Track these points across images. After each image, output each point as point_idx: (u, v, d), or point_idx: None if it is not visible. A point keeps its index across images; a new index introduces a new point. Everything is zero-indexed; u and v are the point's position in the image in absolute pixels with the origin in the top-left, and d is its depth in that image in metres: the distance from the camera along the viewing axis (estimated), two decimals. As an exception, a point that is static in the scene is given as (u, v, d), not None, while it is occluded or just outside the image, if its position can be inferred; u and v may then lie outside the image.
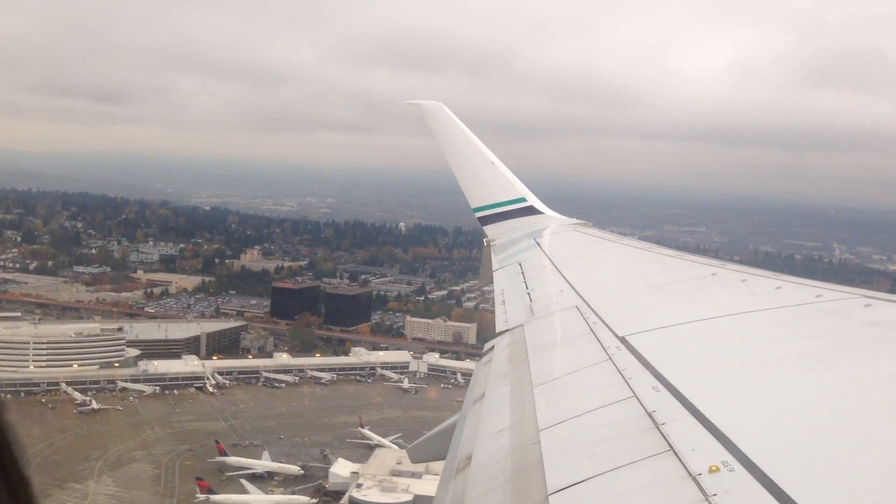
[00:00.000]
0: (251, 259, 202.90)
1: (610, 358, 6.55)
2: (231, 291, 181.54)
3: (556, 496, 4.19)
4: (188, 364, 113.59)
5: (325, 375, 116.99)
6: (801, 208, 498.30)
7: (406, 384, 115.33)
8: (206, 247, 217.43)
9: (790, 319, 6.64)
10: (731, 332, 6.72)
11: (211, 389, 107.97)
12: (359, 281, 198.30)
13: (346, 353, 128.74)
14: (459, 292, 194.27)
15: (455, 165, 20.95)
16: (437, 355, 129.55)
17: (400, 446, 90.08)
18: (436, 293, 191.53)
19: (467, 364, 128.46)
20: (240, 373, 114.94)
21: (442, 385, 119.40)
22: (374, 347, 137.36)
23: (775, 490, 3.43)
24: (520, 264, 14.38)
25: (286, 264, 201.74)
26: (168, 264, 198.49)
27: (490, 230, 19.55)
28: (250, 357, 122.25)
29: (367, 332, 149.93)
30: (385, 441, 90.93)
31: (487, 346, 9.63)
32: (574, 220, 19.08)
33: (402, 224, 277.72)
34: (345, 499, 74.39)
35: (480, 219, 20.18)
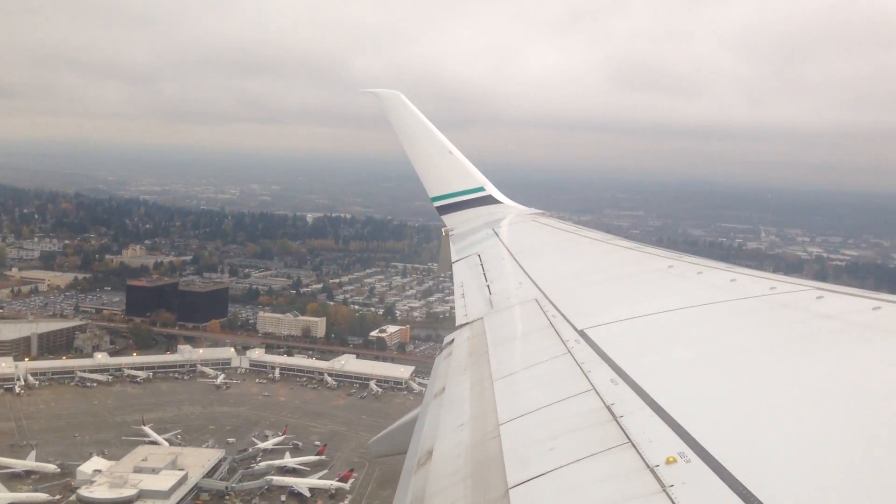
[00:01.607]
0: (133, 255, 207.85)
1: (569, 351, 6.77)
2: (107, 288, 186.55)
3: (517, 490, 4.29)
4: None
5: (142, 374, 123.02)
6: (744, 191, 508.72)
7: (219, 381, 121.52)
8: (93, 242, 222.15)
9: (745, 311, 6.87)
10: (687, 324, 6.92)
11: (18, 390, 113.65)
12: (239, 275, 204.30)
13: (174, 351, 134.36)
14: (337, 285, 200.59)
15: (413, 154, 21.26)
16: (261, 351, 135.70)
17: (171, 443, 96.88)
18: (314, 286, 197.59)
19: (292, 360, 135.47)
20: (55, 373, 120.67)
21: (257, 380, 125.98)
22: (216, 344, 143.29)
23: (730, 480, 3.60)
24: (479, 255, 14.88)
25: (168, 259, 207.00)
26: (48, 261, 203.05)
27: (448, 219, 20.19)
28: (65, 358, 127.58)
29: (218, 328, 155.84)
30: (159, 438, 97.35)
31: (447, 339, 9.96)
32: (532, 210, 19.66)
33: (308, 215, 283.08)
34: (74, 496, 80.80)
35: (439, 208, 20.76)
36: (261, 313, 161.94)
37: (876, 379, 4.73)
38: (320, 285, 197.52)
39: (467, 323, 9.97)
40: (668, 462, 3.96)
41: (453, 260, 15.79)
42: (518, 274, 11.77)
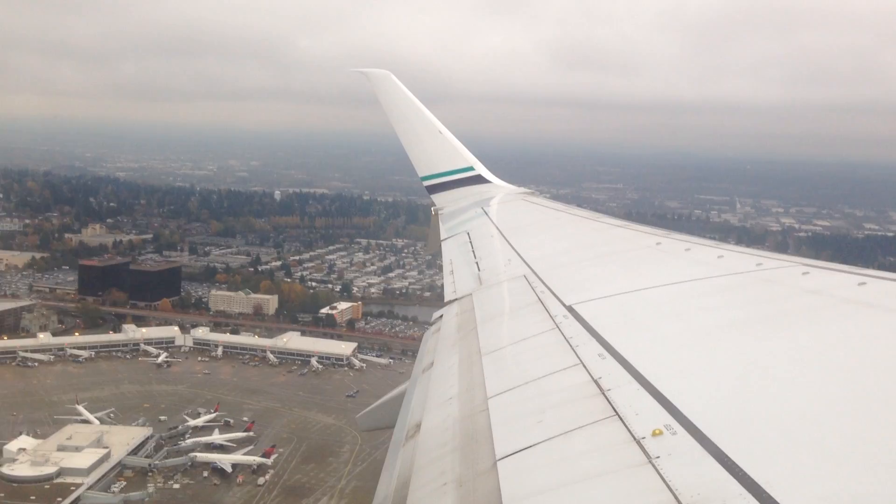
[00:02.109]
0: (93, 234, 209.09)
1: (557, 326, 6.85)
2: (64, 268, 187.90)
3: (504, 462, 4.44)
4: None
5: (84, 353, 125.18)
6: (724, 162, 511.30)
7: (160, 360, 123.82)
8: (55, 221, 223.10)
9: (731, 287, 6.97)
10: (675, 300, 7.04)
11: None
12: (199, 253, 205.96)
13: (118, 331, 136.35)
14: (297, 262, 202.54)
15: (402, 134, 21.37)
16: (205, 329, 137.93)
17: (102, 421, 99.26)
18: (273, 264, 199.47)
19: (235, 338, 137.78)
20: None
21: (199, 359, 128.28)
22: (166, 323, 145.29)
23: (716, 452, 3.71)
24: (468, 234, 15.08)
25: (128, 238, 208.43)
26: (7, 241, 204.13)
27: (438, 199, 20.38)
28: (5, 338, 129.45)
29: (169, 307, 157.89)
30: (91, 417, 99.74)
31: (436, 315, 10.03)
32: (521, 189, 19.91)
33: (276, 192, 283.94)
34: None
35: (428, 188, 20.90)
36: (213, 291, 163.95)
37: (861, 353, 4.84)
38: (279, 262, 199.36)
39: (456, 299, 10.15)
40: (654, 434, 4.09)
41: (442, 238, 16.03)
42: (507, 251, 11.97)
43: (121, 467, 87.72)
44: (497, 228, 14.60)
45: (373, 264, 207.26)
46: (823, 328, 5.48)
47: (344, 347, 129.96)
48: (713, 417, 4.15)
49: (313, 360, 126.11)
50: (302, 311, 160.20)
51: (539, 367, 5.95)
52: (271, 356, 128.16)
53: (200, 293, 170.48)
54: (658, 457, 3.84)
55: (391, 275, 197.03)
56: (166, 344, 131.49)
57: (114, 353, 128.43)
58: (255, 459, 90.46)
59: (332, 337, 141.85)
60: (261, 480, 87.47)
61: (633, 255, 9.81)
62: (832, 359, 4.89)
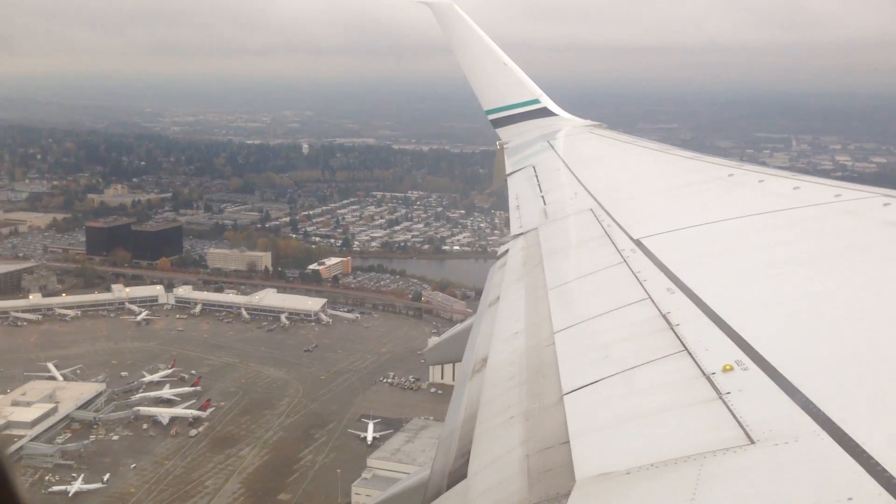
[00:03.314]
0: (115, 194, 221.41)
1: (625, 260, 6.97)
2: (82, 228, 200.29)
3: (571, 396, 4.50)
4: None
5: (71, 312, 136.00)
6: (784, 97, 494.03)
7: (139, 318, 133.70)
8: (82, 182, 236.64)
9: (807, 219, 6.92)
10: (747, 233, 7.04)
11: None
12: (213, 210, 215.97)
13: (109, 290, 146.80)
14: (306, 217, 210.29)
15: (466, 66, 21.25)
16: (189, 288, 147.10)
17: (67, 378, 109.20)
18: (283, 219, 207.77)
19: (214, 295, 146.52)
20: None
21: (178, 316, 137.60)
22: (163, 282, 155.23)
23: (789, 388, 3.66)
24: (533, 167, 14.98)
25: (147, 197, 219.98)
26: (34, 202, 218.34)
27: (503, 133, 20.33)
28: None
29: (168, 265, 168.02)
30: (57, 373, 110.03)
31: (501, 249, 10.24)
32: (588, 122, 19.62)
33: (304, 146, 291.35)
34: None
35: (493, 121, 20.89)
36: (210, 250, 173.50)
37: None
38: (288, 219, 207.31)
39: (522, 233, 10.28)
40: (724, 370, 4.08)
41: (508, 172, 16.16)
42: (573, 185, 11.98)
43: (69, 420, 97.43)
44: (563, 162, 14.59)
45: (382, 217, 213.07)
46: None
47: (311, 303, 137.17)
48: (787, 353, 4.13)
49: (282, 317, 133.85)
50: (296, 266, 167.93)
51: (606, 301, 6.04)
52: (244, 313, 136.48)
53: (202, 251, 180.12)
54: (728, 392, 3.84)
55: (397, 228, 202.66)
56: (150, 302, 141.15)
57: (100, 312, 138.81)
58: (192, 413, 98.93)
59: (312, 293, 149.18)
60: (193, 432, 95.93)
61: (703, 188, 9.72)
62: None
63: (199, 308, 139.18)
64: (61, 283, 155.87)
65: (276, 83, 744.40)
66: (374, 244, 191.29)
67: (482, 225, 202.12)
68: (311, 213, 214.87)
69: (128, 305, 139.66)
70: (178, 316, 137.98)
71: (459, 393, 6.01)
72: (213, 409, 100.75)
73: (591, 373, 4.72)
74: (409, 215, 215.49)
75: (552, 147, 16.76)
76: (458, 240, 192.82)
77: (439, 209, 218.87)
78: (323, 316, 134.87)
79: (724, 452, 3.42)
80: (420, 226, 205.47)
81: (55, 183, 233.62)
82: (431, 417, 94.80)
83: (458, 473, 4.74)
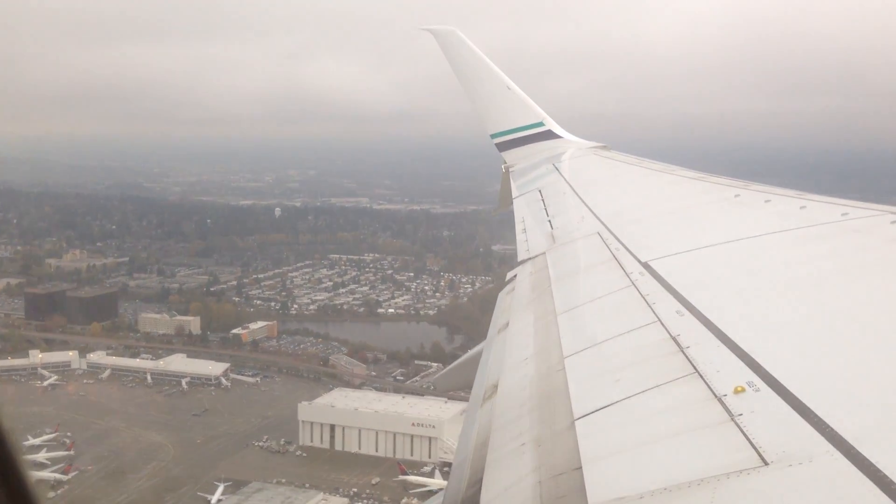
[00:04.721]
0: (72, 259, 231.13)
1: (633, 283, 7.08)
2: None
3: (583, 421, 4.54)
4: None
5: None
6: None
7: (46, 383, 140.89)
8: (47, 247, 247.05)
9: (815, 239, 7.05)
10: (755, 253, 7.19)
11: None
12: (166, 275, 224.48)
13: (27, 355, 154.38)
14: (255, 281, 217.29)
15: (470, 91, 21.90)
16: (102, 353, 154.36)
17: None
18: (230, 283, 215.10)
19: (124, 360, 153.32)
20: None
21: (85, 381, 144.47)
22: (88, 347, 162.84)
23: (801, 408, 3.67)
24: (539, 191, 15.50)
25: (102, 262, 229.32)
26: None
27: (508, 156, 20.85)
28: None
29: (99, 331, 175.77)
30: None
31: (510, 274, 10.52)
32: (593, 144, 20.01)
33: (277, 209, 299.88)
34: None
35: (498, 144, 21.38)
36: (141, 314, 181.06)
37: None
38: (235, 282, 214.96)
39: (529, 258, 10.50)
40: (736, 391, 4.11)
41: (514, 196, 16.48)
42: (580, 208, 12.21)
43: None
44: (569, 185, 14.94)
45: (331, 280, 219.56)
46: None
47: (212, 368, 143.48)
48: (798, 374, 4.17)
49: (183, 381, 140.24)
50: (224, 330, 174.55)
51: (615, 325, 6.18)
52: (149, 378, 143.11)
53: (135, 316, 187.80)
54: (741, 414, 3.88)
55: (341, 290, 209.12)
56: (62, 368, 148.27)
57: (12, 377, 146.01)
58: (54, 476, 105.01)
59: (226, 357, 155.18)
60: (51, 494, 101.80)
61: (710, 209, 9.92)
62: None
63: (107, 373, 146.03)
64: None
65: (285, 144, 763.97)
66: (312, 307, 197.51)
67: (426, 287, 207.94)
68: (261, 276, 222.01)
69: (39, 370, 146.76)
70: (85, 381, 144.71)
71: (471, 420, 6.14)
72: (76, 472, 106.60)
73: (602, 397, 4.84)
74: (358, 278, 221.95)
75: (557, 170, 17.18)
76: (396, 302, 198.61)
77: (390, 272, 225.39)
78: (223, 380, 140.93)
79: (737, 475, 3.46)
80: (365, 288, 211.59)
81: (18, 248, 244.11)
82: (276, 480, 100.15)
83: (470, 501, 4.85)
